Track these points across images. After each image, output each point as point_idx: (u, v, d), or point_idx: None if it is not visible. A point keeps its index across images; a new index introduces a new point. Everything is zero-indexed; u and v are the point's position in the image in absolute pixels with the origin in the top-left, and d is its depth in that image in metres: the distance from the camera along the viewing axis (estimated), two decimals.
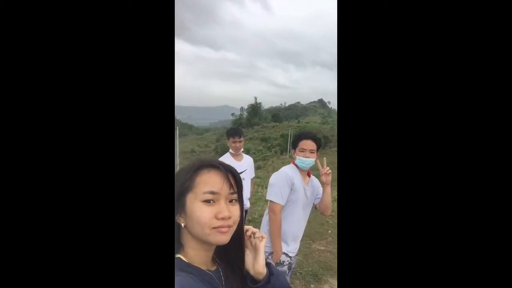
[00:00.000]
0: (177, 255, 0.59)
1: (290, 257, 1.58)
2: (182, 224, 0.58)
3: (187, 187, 0.58)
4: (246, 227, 0.67)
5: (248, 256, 0.66)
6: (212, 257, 0.64)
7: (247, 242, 0.66)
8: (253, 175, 2.76)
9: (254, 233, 0.66)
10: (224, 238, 0.57)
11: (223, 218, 0.56)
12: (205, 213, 0.56)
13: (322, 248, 3.46)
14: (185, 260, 0.59)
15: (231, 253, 0.65)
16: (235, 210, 0.59)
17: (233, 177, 0.60)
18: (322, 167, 1.53)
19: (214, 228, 0.56)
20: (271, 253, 1.52)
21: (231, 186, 0.59)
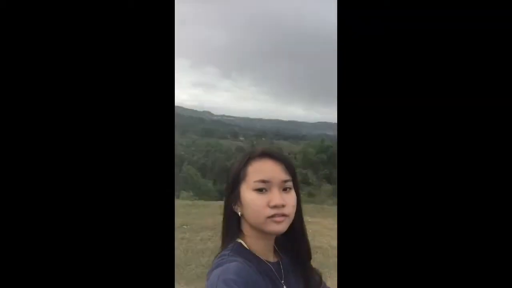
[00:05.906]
0: (238, 240, 0.59)
1: None
2: (239, 213, 0.59)
3: (240, 177, 0.58)
4: None
5: None
6: (275, 249, 0.63)
7: None
8: None
9: None
10: (279, 227, 0.55)
11: (275, 206, 0.54)
12: (257, 201, 0.55)
13: None
14: (245, 246, 0.58)
15: (292, 245, 0.63)
16: (289, 198, 0.57)
17: (286, 165, 0.58)
18: None
19: (268, 217, 0.55)
20: None
21: (283, 174, 0.57)
